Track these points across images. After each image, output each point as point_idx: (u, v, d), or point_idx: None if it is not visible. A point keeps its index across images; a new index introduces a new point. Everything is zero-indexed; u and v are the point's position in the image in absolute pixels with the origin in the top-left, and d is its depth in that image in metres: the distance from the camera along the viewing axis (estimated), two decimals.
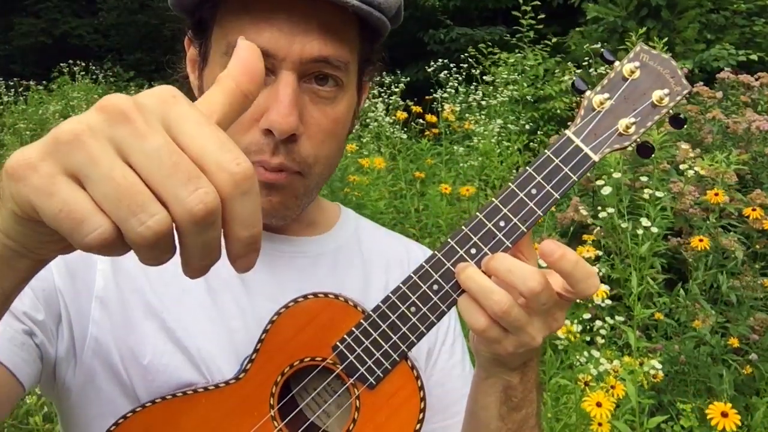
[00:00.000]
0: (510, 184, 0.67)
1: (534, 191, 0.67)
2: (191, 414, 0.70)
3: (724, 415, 1.68)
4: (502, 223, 0.66)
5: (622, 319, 2.09)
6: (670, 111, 0.68)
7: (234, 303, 0.78)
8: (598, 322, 2.01)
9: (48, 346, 0.71)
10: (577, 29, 6.75)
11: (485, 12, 9.50)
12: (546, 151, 0.67)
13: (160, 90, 0.39)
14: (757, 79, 4.20)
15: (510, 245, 0.66)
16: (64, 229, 0.36)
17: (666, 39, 3.75)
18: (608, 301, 1.99)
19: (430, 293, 0.67)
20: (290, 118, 0.71)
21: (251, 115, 0.72)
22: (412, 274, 0.67)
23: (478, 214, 0.67)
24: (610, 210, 2.27)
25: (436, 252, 0.67)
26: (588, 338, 2.05)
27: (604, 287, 1.94)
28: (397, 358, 0.68)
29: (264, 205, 0.75)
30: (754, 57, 5.50)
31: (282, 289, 0.79)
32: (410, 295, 0.67)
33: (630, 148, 0.68)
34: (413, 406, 0.70)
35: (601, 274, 2.29)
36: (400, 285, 0.68)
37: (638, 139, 0.68)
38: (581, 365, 1.89)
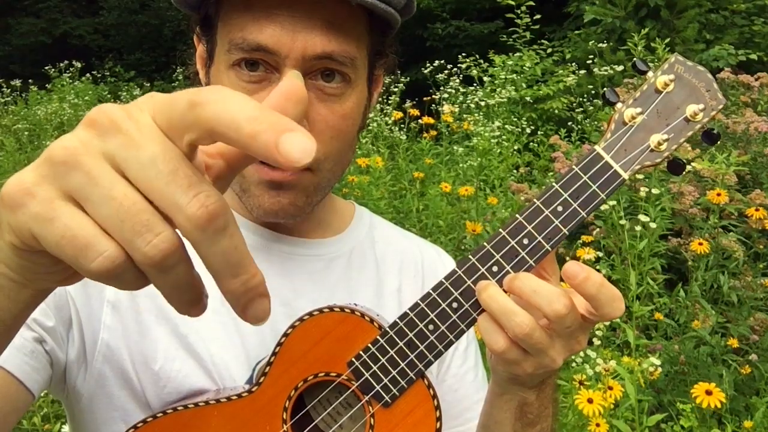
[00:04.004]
0: (535, 200, 0.65)
1: (560, 208, 0.64)
2: (203, 427, 0.69)
3: (708, 393, 1.71)
4: (525, 241, 0.64)
5: (618, 319, 2.09)
6: (705, 126, 0.65)
7: None
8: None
9: (58, 352, 0.71)
10: (576, 32, 6.75)
11: (484, 12, 9.49)
12: (574, 167, 0.65)
13: (143, 98, 0.36)
14: (756, 79, 4.20)
15: (533, 264, 0.64)
16: (69, 256, 0.33)
17: (666, 39, 3.75)
18: None
19: (449, 311, 0.65)
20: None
21: None
22: (431, 291, 0.66)
23: (501, 230, 0.65)
24: (611, 202, 2.26)
25: (456, 269, 0.66)
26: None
27: None
28: (414, 377, 0.66)
29: (273, 205, 0.74)
30: (753, 57, 5.50)
31: (295, 294, 0.79)
32: (429, 312, 0.66)
33: (661, 165, 0.66)
34: (429, 427, 0.69)
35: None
36: (419, 302, 0.66)
37: (670, 156, 0.65)
38: (578, 365, 1.88)
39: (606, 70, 4.80)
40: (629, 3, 6.10)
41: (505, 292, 0.64)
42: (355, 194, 3.34)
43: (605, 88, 0.70)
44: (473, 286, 0.65)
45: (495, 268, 0.65)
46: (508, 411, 0.73)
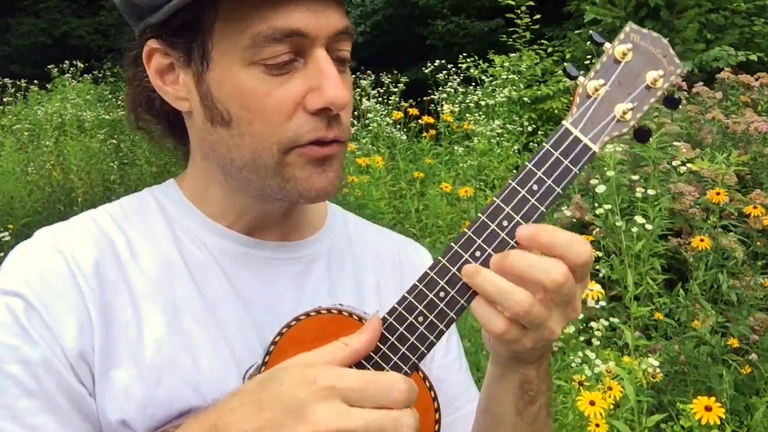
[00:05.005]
0: (511, 181, 0.66)
1: (535, 187, 0.65)
2: None
3: (708, 409, 1.70)
4: (504, 223, 0.65)
5: (617, 319, 2.09)
6: (665, 92, 0.66)
7: (233, 316, 0.76)
8: (595, 324, 2.01)
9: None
10: (576, 32, 6.75)
11: (484, 11, 9.51)
12: (545, 144, 0.66)
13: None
14: (756, 80, 4.21)
15: (515, 245, 0.65)
16: None
17: (666, 39, 3.74)
18: (603, 303, 1.99)
19: (437, 300, 0.65)
20: (346, 91, 0.71)
21: (293, 100, 0.71)
22: (417, 283, 0.66)
23: (480, 215, 0.66)
24: (607, 206, 2.27)
25: (440, 258, 0.66)
26: (586, 339, 2.05)
27: (598, 288, 1.94)
28: (409, 371, 0.66)
29: (323, 181, 0.74)
30: (753, 57, 5.50)
31: (278, 299, 0.78)
32: (417, 304, 0.65)
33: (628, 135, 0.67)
34: (429, 420, 0.68)
35: (601, 274, 2.29)
36: (406, 295, 0.66)
37: (636, 124, 0.66)
38: (577, 366, 1.89)
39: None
40: (629, 3, 6.10)
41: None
42: (355, 194, 3.34)
43: (566, 64, 0.70)
44: (458, 274, 0.65)
45: (478, 253, 0.65)
46: (510, 391, 0.73)
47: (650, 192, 2.34)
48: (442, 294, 0.65)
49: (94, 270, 0.73)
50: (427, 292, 0.66)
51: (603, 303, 1.94)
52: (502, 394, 0.74)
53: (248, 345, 0.75)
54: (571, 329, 1.97)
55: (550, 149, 0.65)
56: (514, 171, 4.08)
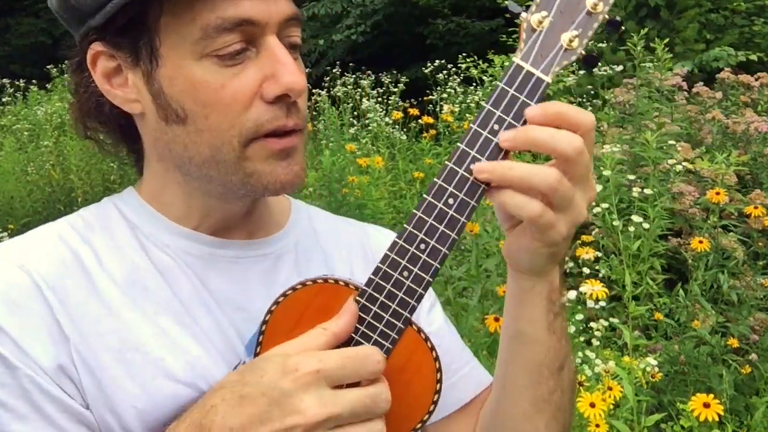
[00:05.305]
0: (472, 124, 0.67)
1: (496, 126, 0.66)
2: None
3: (706, 405, 1.70)
4: (472, 166, 0.66)
5: (617, 319, 2.08)
6: (606, 16, 0.67)
7: (207, 316, 0.75)
8: (594, 324, 2.01)
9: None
10: None
11: (484, 11, 9.50)
12: (498, 83, 0.67)
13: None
14: (756, 80, 4.20)
15: (484, 188, 0.66)
16: None
17: (666, 39, 3.74)
18: (602, 303, 1.99)
19: (418, 253, 0.66)
20: (302, 76, 0.71)
21: (250, 90, 0.70)
22: (397, 240, 0.67)
23: (447, 163, 0.67)
24: (604, 205, 2.27)
25: (415, 211, 0.67)
26: (585, 339, 2.04)
27: (599, 287, 1.94)
28: (402, 326, 0.67)
29: (288, 175, 0.73)
30: (753, 57, 5.50)
31: (249, 297, 0.77)
32: (400, 260, 0.67)
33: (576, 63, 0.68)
34: (429, 369, 0.70)
35: (600, 275, 2.29)
36: (388, 252, 0.67)
37: (583, 51, 0.67)
38: (578, 366, 1.88)
39: (605, 71, 4.80)
40: (629, 3, 6.10)
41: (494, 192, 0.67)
42: (355, 194, 3.34)
43: (507, 2, 0.71)
44: (436, 225, 0.66)
45: (451, 201, 0.66)
46: (540, 305, 0.73)
47: (647, 191, 2.33)
48: (422, 246, 0.67)
49: (60, 282, 0.71)
50: (408, 246, 0.67)
51: (603, 303, 1.94)
52: (533, 309, 0.74)
53: (229, 343, 0.74)
54: (572, 329, 1.97)
55: (505, 87, 0.66)
56: None
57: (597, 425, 1.60)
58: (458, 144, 0.67)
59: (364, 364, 0.62)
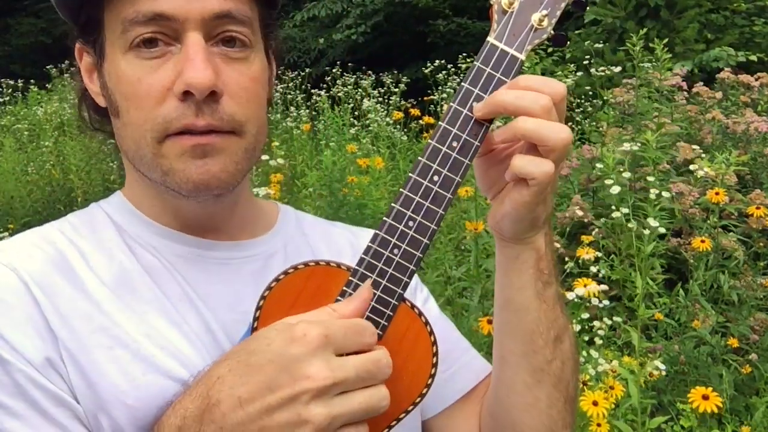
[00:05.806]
0: (452, 104, 0.68)
1: (475, 104, 0.68)
2: None
3: (705, 398, 1.71)
4: (455, 144, 0.68)
5: (620, 319, 2.08)
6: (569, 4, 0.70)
7: (196, 318, 0.74)
8: (597, 323, 2.01)
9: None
10: (576, 32, 6.75)
11: (485, 11, 9.51)
12: (475, 63, 0.69)
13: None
14: (756, 80, 4.20)
15: (469, 162, 0.68)
16: None
17: (666, 39, 3.74)
18: (606, 302, 1.98)
19: (407, 230, 0.68)
20: (207, 72, 0.68)
21: (162, 85, 0.69)
22: (386, 219, 0.68)
23: (430, 141, 0.68)
24: (625, 210, 2.26)
25: (402, 190, 0.68)
26: (588, 338, 2.04)
27: (597, 287, 1.93)
28: (396, 302, 0.68)
29: (203, 174, 0.71)
30: (753, 57, 5.50)
31: (238, 298, 0.77)
32: (389, 238, 0.68)
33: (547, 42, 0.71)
34: (425, 344, 0.70)
35: (601, 275, 2.29)
36: (377, 232, 0.68)
37: (552, 30, 0.70)
38: (580, 365, 1.88)
39: (604, 71, 4.80)
40: (629, 3, 6.10)
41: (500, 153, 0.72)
42: (355, 194, 3.34)
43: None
44: (424, 202, 0.68)
45: (435, 177, 0.68)
46: (526, 272, 0.75)
47: (665, 194, 2.33)
48: (410, 223, 0.68)
49: (48, 280, 0.71)
50: (396, 224, 0.68)
51: (606, 302, 1.94)
52: (520, 276, 0.75)
53: (218, 344, 0.74)
54: (576, 328, 1.96)
55: (481, 66, 0.69)
56: None
57: (598, 425, 1.60)
58: (439, 123, 0.69)
59: (362, 336, 0.63)
